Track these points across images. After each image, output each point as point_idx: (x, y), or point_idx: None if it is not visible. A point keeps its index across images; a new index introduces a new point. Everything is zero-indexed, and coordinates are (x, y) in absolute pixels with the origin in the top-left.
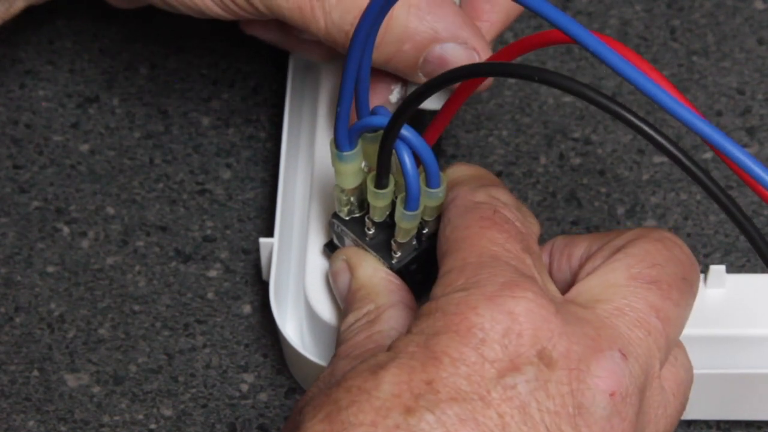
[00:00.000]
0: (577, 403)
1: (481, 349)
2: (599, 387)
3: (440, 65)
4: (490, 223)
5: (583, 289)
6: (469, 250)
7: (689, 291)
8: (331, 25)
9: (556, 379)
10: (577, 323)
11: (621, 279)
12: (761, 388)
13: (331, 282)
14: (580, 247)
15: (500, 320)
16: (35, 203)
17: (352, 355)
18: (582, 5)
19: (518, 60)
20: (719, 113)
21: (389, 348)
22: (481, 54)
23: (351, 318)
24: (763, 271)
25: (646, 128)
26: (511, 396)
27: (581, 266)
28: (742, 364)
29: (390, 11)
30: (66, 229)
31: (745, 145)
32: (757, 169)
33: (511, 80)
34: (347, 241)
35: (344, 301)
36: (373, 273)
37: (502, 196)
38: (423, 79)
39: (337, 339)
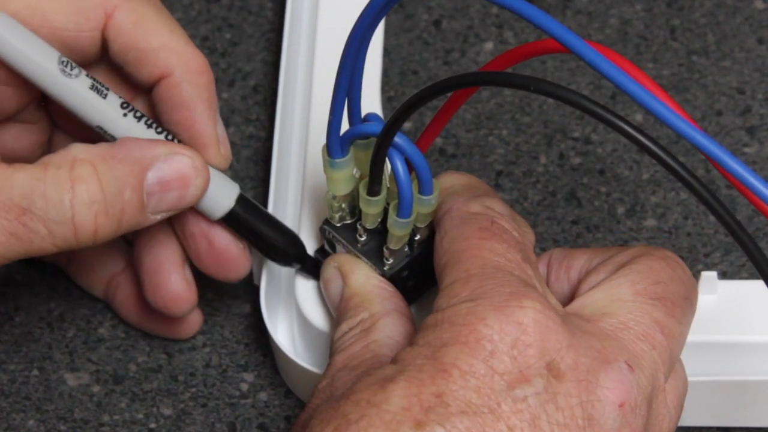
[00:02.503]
0: (587, 415)
1: (491, 362)
2: (609, 398)
3: (163, 189)
4: (489, 233)
5: (588, 302)
6: (471, 261)
7: (690, 310)
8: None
9: (564, 392)
10: (582, 336)
11: (626, 294)
12: (753, 395)
13: (322, 289)
14: (579, 260)
15: (509, 331)
16: None
17: (350, 366)
18: (582, 5)
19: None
20: (719, 113)
21: (394, 360)
22: (189, 152)
23: (345, 326)
24: (756, 277)
25: (646, 141)
26: (522, 408)
27: (582, 279)
28: (733, 371)
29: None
30: None
31: (745, 145)
32: (757, 184)
33: None
34: (338, 248)
35: (336, 308)
36: (366, 280)
37: (497, 206)
38: (156, 218)
39: (331, 348)
